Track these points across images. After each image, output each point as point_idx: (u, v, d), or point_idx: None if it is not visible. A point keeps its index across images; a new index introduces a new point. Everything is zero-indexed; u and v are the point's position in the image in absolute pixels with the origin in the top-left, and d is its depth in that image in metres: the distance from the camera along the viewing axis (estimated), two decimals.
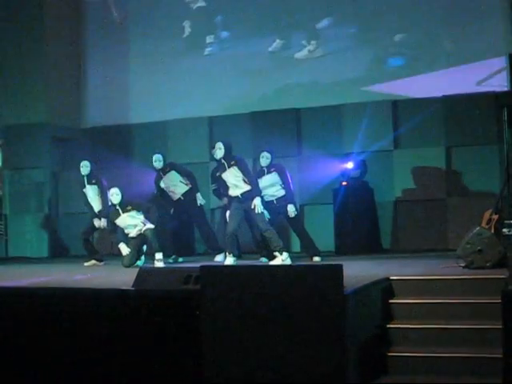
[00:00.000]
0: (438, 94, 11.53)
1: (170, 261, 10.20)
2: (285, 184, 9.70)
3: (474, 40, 11.61)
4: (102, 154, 12.85)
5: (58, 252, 13.38)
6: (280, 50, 12.81)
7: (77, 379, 6.07)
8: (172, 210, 10.44)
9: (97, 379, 6.00)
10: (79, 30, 14.31)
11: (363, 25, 12.36)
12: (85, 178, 10.75)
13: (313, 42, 12.56)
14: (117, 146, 12.50)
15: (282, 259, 8.93)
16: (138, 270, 6.58)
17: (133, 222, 9.87)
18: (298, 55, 12.64)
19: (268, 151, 9.79)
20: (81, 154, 13.55)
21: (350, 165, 11.35)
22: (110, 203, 10.17)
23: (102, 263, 10.46)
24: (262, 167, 9.78)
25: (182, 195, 10.37)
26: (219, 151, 9.33)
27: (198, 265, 5.94)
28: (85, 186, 10.77)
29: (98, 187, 10.69)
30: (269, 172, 9.70)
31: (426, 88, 11.70)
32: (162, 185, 10.39)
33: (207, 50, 13.29)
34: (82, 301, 6.24)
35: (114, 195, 9.93)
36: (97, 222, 10.58)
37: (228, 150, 9.34)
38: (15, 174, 13.52)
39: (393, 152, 11.85)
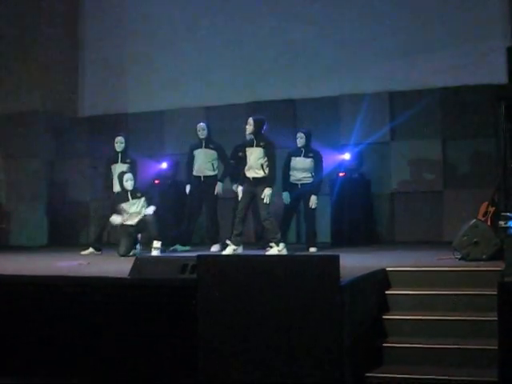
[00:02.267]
0: (435, 85, 11.52)
1: (181, 248, 10.39)
2: (317, 173, 9.72)
3: (473, 32, 11.60)
4: (98, 143, 12.81)
5: (55, 240, 13.36)
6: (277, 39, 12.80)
7: (71, 367, 6.08)
8: (188, 187, 10.46)
9: (92, 368, 6.01)
10: (76, 18, 14.26)
11: (360, 14, 12.33)
12: (119, 155, 10.43)
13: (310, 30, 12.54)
14: (113, 135, 12.42)
15: (278, 250, 8.84)
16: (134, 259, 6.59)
17: (138, 210, 9.80)
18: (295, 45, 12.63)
19: (303, 132, 9.86)
20: (77, 143, 13.59)
21: (346, 156, 11.36)
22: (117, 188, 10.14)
23: (99, 252, 10.28)
24: (299, 147, 9.80)
25: (206, 177, 10.47)
26: (249, 127, 9.12)
27: (194, 254, 5.95)
28: (116, 163, 10.42)
29: (131, 167, 10.37)
30: (306, 156, 9.73)
31: (423, 80, 11.69)
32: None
33: (203, 40, 13.25)
34: (78, 289, 6.23)
35: (129, 181, 9.85)
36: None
37: (259, 128, 9.09)
38: (11, 162, 13.48)
39: (389, 144, 11.85)
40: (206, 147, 10.50)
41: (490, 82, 10.60)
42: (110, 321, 5.98)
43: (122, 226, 9.84)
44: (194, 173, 10.51)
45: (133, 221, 9.81)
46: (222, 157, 10.64)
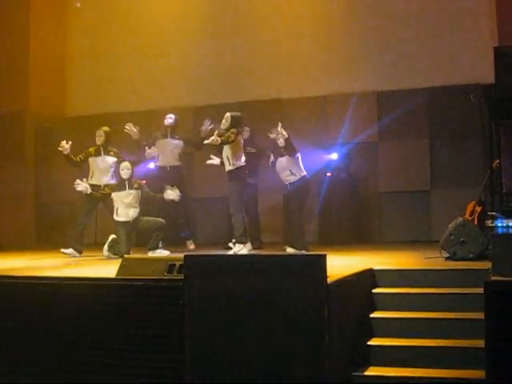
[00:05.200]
0: (423, 85, 11.55)
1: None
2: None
3: (459, 32, 11.64)
4: (86, 142, 12.75)
5: (42, 241, 13.30)
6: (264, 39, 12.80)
7: (56, 368, 6.06)
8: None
9: (79, 368, 5.99)
10: (64, 17, 14.22)
11: (348, 15, 12.35)
12: (101, 148, 10.33)
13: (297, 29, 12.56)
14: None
15: (234, 250, 8.93)
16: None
17: (134, 203, 9.59)
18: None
19: None
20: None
21: (334, 156, 11.37)
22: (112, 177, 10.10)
23: (79, 255, 10.00)
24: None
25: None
26: (224, 122, 9.21)
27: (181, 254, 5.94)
28: (99, 155, 10.30)
29: (116, 159, 10.26)
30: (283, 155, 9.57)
31: (410, 80, 11.72)
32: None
33: (191, 39, 13.24)
34: (65, 290, 6.22)
35: (125, 169, 9.62)
36: (81, 186, 10.03)
37: (234, 124, 9.20)
38: None
39: (377, 143, 11.87)
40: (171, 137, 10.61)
41: (476, 82, 10.66)
42: (96, 321, 5.96)
43: (119, 223, 9.58)
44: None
45: (128, 216, 9.55)
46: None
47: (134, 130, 10.32)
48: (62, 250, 10.02)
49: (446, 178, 11.50)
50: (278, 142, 9.41)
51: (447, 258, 7.50)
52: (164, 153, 10.54)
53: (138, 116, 13.15)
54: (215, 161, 9.50)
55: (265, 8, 12.88)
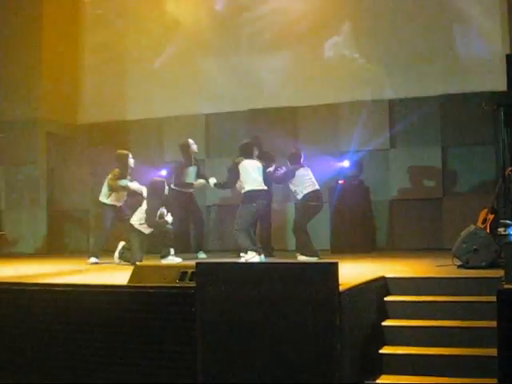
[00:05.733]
0: (435, 93, 11.54)
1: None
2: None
3: (472, 40, 11.62)
4: (98, 150, 12.84)
5: (54, 248, 13.35)
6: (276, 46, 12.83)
7: (70, 375, 6.07)
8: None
9: (90, 375, 6.00)
10: (77, 26, 14.28)
11: (360, 23, 12.35)
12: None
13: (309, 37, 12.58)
14: (113, 142, 12.45)
15: (245, 258, 9.05)
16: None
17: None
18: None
19: None
20: (77, 150, 13.60)
21: (346, 163, 11.35)
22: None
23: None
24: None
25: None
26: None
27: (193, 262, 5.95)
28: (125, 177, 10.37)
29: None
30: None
31: (422, 87, 11.71)
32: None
33: (203, 47, 13.27)
34: (77, 297, 6.24)
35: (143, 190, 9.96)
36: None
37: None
38: (11, 169, 13.49)
39: (389, 151, 11.85)
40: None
41: (489, 90, 10.64)
42: (108, 328, 5.97)
43: (138, 233, 9.71)
44: None
45: (146, 228, 9.68)
46: None
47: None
48: (90, 261, 10.06)
49: (458, 185, 11.47)
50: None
51: (459, 266, 7.48)
52: (189, 180, 10.77)
53: (148, 124, 13.23)
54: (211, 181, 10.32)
55: (277, 17, 12.88)
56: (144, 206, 9.74)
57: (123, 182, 10.13)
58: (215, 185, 10.25)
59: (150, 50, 13.63)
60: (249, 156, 9.52)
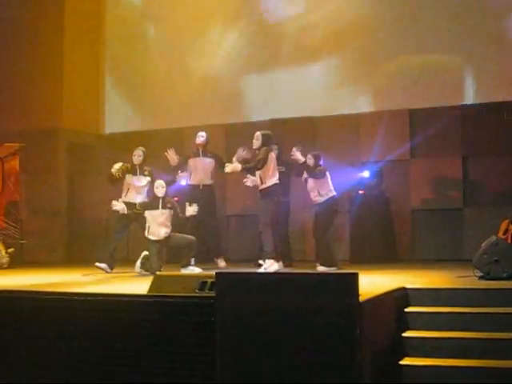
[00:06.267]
0: (455, 102, 11.50)
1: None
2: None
3: (494, 50, 11.58)
4: (118, 160, 12.87)
5: (74, 256, 13.42)
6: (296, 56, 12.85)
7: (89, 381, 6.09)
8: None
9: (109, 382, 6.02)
10: (99, 37, 14.38)
11: (382, 33, 12.34)
12: (137, 168, 10.42)
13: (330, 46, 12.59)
14: (133, 152, 12.51)
15: (264, 267, 9.00)
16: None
17: (167, 222, 9.61)
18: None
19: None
20: (97, 159, 13.66)
21: (366, 174, 11.33)
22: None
23: (111, 271, 10.06)
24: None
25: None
26: (256, 142, 9.39)
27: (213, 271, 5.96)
28: (135, 174, 10.37)
29: (150, 178, 10.34)
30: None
31: (442, 97, 11.67)
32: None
33: (223, 57, 13.32)
34: (96, 306, 6.25)
35: (160, 188, 9.66)
36: (118, 207, 9.98)
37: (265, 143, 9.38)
38: (32, 179, 13.57)
39: (409, 161, 11.82)
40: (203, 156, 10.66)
41: (509, 99, 10.60)
42: (128, 338, 5.99)
43: (151, 242, 9.62)
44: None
45: (159, 235, 9.59)
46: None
47: (174, 157, 10.37)
48: (97, 263, 10.03)
49: (479, 195, 11.41)
50: (308, 161, 9.55)
51: (480, 278, 7.43)
52: (196, 171, 10.60)
53: (170, 134, 13.26)
54: (249, 182, 9.50)
55: (295, 27, 12.91)
56: (148, 214, 9.70)
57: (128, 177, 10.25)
58: (244, 169, 9.39)
59: (170, 61, 13.69)
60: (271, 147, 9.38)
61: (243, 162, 9.52)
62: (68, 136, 13.60)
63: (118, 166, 10.32)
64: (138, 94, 13.97)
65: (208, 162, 10.66)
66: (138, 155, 10.47)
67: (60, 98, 13.54)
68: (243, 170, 9.37)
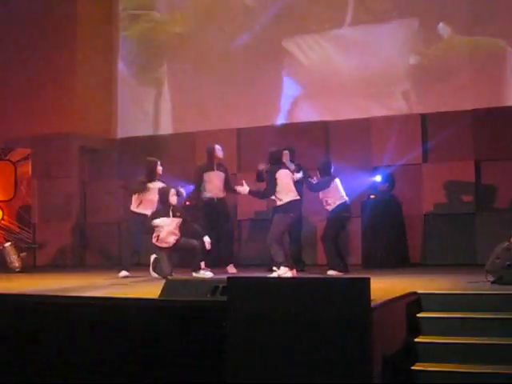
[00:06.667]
0: (468, 107, 11.47)
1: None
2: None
3: (507, 53, 11.54)
4: (130, 164, 12.92)
5: (86, 261, 13.45)
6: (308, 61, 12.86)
7: None
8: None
9: None
10: (112, 42, 14.42)
11: (393, 36, 12.33)
12: (157, 180, 10.30)
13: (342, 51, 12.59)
14: (145, 156, 12.55)
15: (278, 274, 8.96)
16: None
17: (177, 230, 9.54)
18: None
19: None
20: (109, 164, 13.70)
21: (378, 178, 11.31)
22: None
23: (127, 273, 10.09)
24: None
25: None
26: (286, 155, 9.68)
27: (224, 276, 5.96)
28: (150, 182, 10.26)
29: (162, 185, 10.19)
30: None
31: (455, 101, 11.65)
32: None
33: (235, 62, 13.33)
34: (107, 310, 6.26)
35: (174, 196, 9.58)
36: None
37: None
38: (44, 183, 13.63)
39: (421, 165, 11.79)
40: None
41: None
42: (139, 342, 5.99)
43: (159, 248, 9.56)
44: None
45: (168, 243, 9.52)
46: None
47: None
48: (120, 274, 9.98)
49: (492, 200, 11.37)
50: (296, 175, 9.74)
51: (493, 282, 7.40)
52: (211, 185, 10.58)
53: (181, 138, 13.29)
54: (243, 189, 9.65)
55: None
56: (159, 222, 9.58)
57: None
58: (251, 193, 9.64)
59: (182, 65, 13.71)
60: (281, 165, 9.41)
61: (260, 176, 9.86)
62: (80, 140, 13.63)
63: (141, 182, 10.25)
64: (150, 99, 13.99)
65: (222, 176, 10.69)
66: (160, 165, 10.38)
67: (72, 102, 13.57)
68: (250, 193, 9.62)
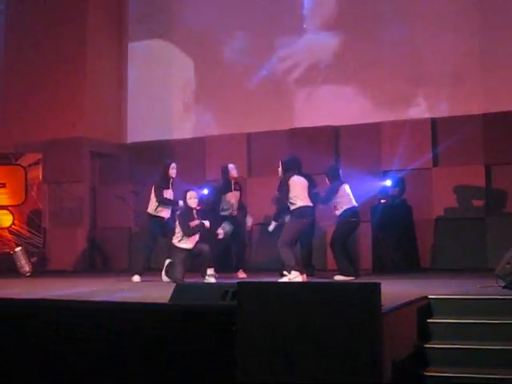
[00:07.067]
0: (478, 111, 11.45)
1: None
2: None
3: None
4: (141, 169, 12.95)
5: (96, 266, 13.48)
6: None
7: None
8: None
9: None
10: (121, 47, 14.46)
11: (403, 41, 12.32)
12: (170, 181, 10.31)
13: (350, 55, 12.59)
14: (156, 161, 12.57)
15: (288, 278, 8.97)
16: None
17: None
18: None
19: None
20: (120, 169, 13.73)
21: (388, 182, 11.31)
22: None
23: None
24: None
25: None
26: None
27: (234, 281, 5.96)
28: (169, 189, 10.27)
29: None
30: None
31: (465, 106, 11.63)
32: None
33: (245, 66, 13.35)
34: (117, 315, 6.27)
35: (193, 199, 9.63)
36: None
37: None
38: (55, 188, 13.67)
39: (432, 170, 11.77)
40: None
41: None
42: (149, 346, 5.99)
43: (180, 250, 9.58)
44: None
45: (190, 244, 9.58)
46: None
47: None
48: (133, 279, 10.03)
49: (502, 204, 11.34)
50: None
51: (503, 287, 7.37)
52: (229, 204, 10.75)
53: (191, 143, 13.32)
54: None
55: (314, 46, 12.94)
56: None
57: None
58: (275, 218, 9.60)
59: (193, 70, 13.74)
60: (296, 171, 9.42)
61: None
62: (91, 145, 13.67)
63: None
64: (161, 104, 14.02)
65: (238, 195, 10.91)
66: (174, 168, 10.35)
67: (83, 107, 13.62)
68: (275, 220, 9.59)
